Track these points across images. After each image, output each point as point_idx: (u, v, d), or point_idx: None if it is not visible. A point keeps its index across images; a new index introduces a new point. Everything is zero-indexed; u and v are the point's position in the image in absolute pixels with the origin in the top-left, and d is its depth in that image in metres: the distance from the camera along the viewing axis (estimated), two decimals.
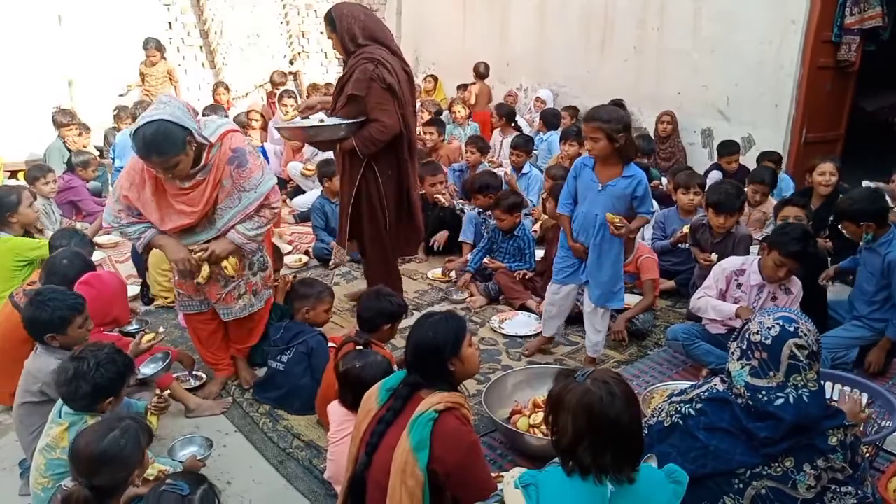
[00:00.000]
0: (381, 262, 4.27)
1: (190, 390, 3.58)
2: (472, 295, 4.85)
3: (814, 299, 3.90)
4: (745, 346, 2.13)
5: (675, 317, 4.59)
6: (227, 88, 8.87)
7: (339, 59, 4.06)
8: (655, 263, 4.47)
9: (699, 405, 2.19)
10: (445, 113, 8.58)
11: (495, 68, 9.36)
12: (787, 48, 6.36)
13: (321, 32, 10.72)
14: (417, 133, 6.14)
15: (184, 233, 3.23)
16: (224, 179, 3.12)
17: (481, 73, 9.22)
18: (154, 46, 8.54)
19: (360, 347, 2.96)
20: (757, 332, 2.11)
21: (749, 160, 6.60)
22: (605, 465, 1.86)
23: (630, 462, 1.89)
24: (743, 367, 2.11)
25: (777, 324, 2.10)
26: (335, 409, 2.82)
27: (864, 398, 3.14)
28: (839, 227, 4.05)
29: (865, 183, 5.44)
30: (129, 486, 2.19)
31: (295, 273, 5.25)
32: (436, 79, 9.76)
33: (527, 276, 4.76)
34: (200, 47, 9.82)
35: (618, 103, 2.92)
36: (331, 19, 3.85)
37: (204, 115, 4.57)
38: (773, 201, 5.31)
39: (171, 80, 8.82)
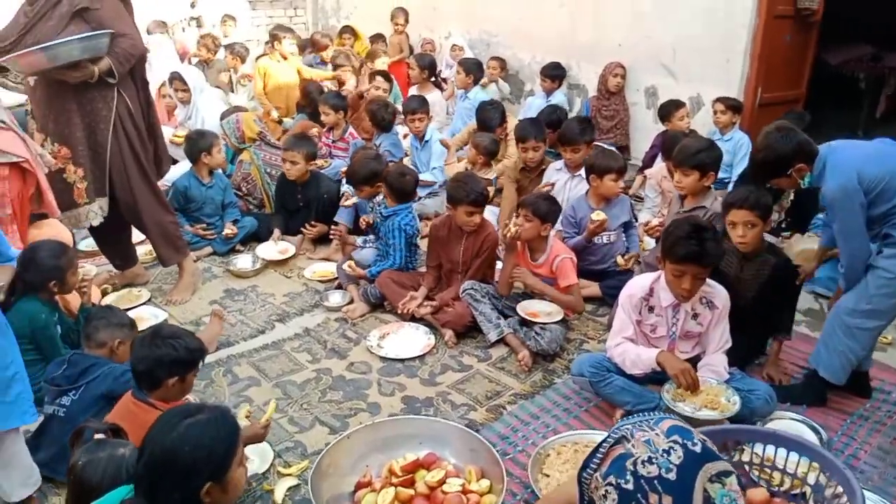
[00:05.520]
0: (159, 205, 3.85)
1: None
2: (351, 301, 3.94)
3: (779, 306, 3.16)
4: (630, 485, 1.35)
5: (596, 329, 3.75)
6: None
7: None
8: (574, 266, 3.58)
9: None
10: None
11: (421, 14, 8.27)
12: None
13: None
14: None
15: None
16: None
17: (399, 20, 8.09)
18: None
19: (101, 436, 2.03)
20: (650, 461, 1.36)
21: (698, 124, 5.73)
22: None
23: None
24: None
25: (674, 443, 1.38)
26: None
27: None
28: (769, 187, 3.13)
29: None
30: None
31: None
32: (354, 32, 8.56)
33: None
34: None
35: None
36: None
37: None
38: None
39: None
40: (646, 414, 1.54)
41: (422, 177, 5.08)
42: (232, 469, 1.66)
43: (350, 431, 2.68)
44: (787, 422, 2.85)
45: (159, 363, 2.34)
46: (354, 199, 4.44)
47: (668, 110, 5.43)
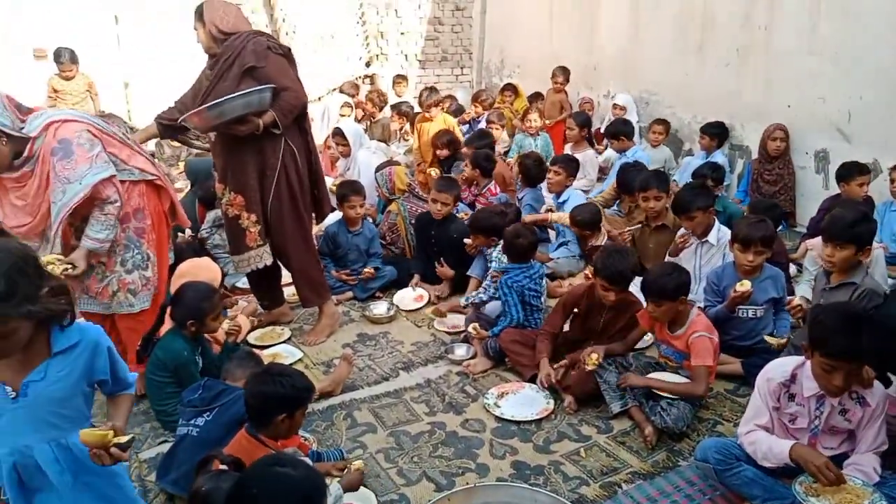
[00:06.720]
0: (306, 251, 4.10)
1: None
2: (475, 355, 3.93)
3: None
4: None
5: (733, 410, 3.45)
6: None
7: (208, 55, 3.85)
8: (712, 347, 3.25)
9: None
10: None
11: (581, 73, 8.28)
12: None
13: (402, 33, 10.10)
14: None
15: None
16: (51, 172, 2.95)
17: (559, 78, 8.15)
18: (69, 58, 7.43)
19: (224, 468, 2.15)
20: None
21: (874, 192, 5.21)
22: None
23: None
24: None
25: None
26: None
27: None
28: None
29: None
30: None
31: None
32: (516, 90, 8.71)
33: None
34: None
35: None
36: (199, 11, 3.71)
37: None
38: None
39: (91, 94, 7.74)
40: None
41: (554, 254, 5.05)
42: None
43: (450, 492, 2.65)
44: None
45: (266, 399, 2.45)
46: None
47: (849, 172, 4.98)
